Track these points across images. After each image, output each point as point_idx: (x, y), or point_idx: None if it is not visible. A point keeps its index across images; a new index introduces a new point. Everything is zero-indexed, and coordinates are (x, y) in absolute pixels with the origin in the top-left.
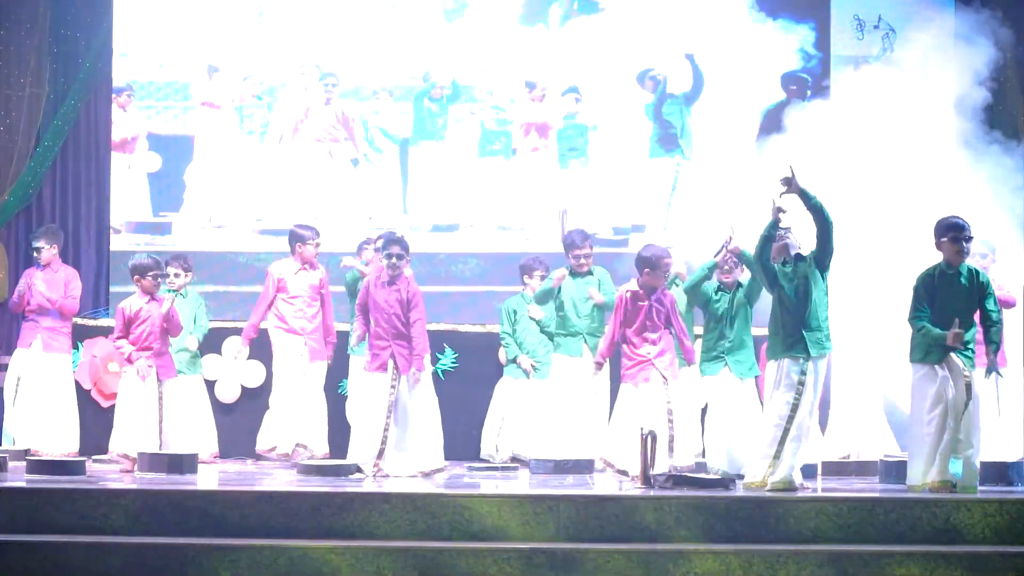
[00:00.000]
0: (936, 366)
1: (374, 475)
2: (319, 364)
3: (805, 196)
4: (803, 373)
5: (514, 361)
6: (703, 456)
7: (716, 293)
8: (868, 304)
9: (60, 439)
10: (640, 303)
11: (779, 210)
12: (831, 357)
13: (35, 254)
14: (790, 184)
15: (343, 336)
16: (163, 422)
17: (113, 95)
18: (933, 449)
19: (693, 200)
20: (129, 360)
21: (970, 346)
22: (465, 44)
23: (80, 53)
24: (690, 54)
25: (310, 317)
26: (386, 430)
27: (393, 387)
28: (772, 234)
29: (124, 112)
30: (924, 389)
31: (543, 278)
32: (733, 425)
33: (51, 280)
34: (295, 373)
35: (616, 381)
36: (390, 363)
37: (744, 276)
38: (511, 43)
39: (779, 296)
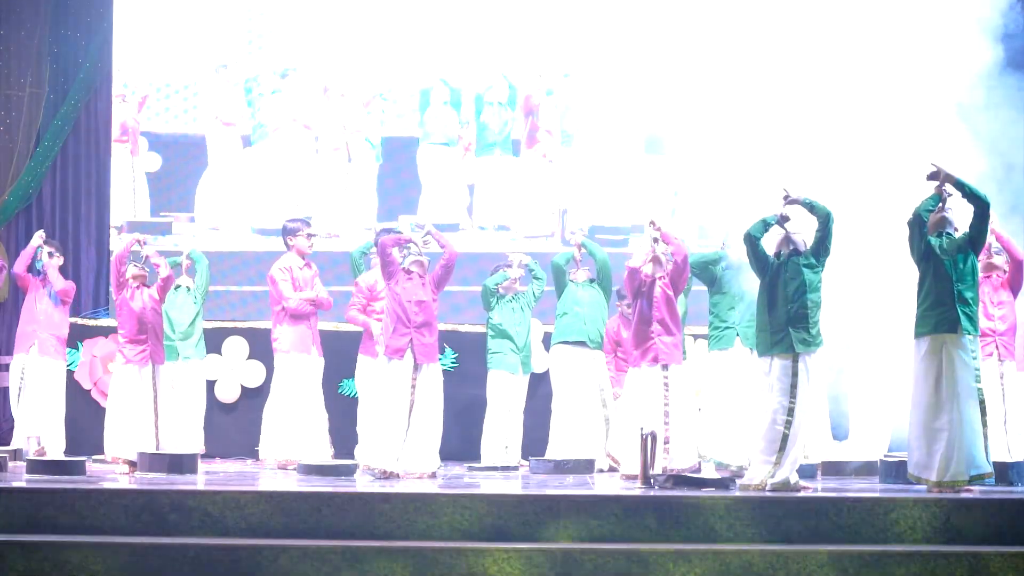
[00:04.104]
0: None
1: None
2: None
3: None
4: (795, 375)
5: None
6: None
7: (724, 271)
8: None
9: (51, 439)
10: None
11: (784, 218)
12: (825, 355)
13: (48, 257)
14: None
15: (342, 336)
16: (159, 419)
17: (135, 99)
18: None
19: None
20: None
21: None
22: (463, 44)
23: (80, 53)
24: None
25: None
26: (407, 428)
27: (413, 381)
28: (771, 223)
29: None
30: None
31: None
32: (734, 411)
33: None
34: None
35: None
36: (408, 351)
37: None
38: (507, 41)
39: (768, 290)
